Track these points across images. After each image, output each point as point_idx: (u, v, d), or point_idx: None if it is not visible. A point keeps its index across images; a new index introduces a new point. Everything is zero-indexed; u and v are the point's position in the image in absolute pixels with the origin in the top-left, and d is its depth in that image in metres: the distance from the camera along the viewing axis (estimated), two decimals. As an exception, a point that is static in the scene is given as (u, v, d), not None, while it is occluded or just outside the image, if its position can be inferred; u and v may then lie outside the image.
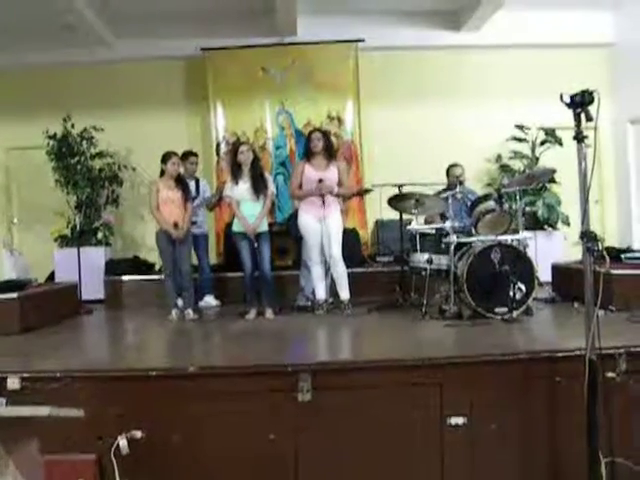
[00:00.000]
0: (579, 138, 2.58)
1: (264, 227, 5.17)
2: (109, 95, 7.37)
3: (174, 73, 7.58)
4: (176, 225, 5.19)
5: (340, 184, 5.25)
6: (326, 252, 5.13)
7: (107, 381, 3.08)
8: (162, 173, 5.31)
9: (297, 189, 5.25)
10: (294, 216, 5.55)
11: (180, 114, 7.56)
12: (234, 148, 5.39)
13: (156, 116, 7.43)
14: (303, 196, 5.23)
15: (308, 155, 5.27)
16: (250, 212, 5.10)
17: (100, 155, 7.13)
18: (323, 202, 5.07)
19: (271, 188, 5.21)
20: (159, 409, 2.99)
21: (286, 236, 6.31)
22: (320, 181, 5.09)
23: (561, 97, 2.57)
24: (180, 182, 5.34)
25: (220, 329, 4.93)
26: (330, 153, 5.30)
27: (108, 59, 7.32)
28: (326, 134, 5.44)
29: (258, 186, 5.08)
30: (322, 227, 5.11)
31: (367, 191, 6.47)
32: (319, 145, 5.20)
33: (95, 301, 6.32)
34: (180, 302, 5.34)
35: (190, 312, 5.23)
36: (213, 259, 6.85)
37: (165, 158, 5.28)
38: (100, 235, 7.02)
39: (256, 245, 5.06)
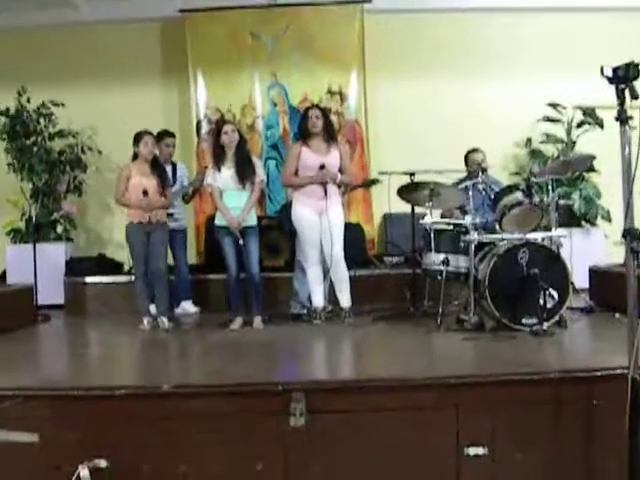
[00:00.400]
0: (622, 119, 2.58)
1: (252, 221, 5.17)
2: (71, 64, 7.36)
3: (147, 38, 7.57)
4: (145, 193, 5.14)
5: (342, 171, 5.25)
6: (326, 251, 5.13)
7: (66, 401, 3.07)
8: (135, 157, 5.30)
9: (292, 176, 5.25)
10: (288, 208, 5.55)
11: (154, 87, 7.56)
12: (217, 128, 5.40)
13: (126, 89, 7.42)
14: (299, 184, 5.22)
15: (305, 136, 5.25)
16: (235, 203, 5.09)
17: (60, 135, 7.12)
18: (325, 192, 5.08)
19: (260, 175, 5.21)
20: (127, 434, 2.99)
21: (278, 231, 6.33)
22: (322, 167, 5.09)
23: (602, 70, 2.56)
24: (156, 167, 5.33)
25: (199, 341, 4.94)
26: (331, 134, 5.31)
27: (72, 21, 7.30)
28: (325, 111, 5.44)
29: (244, 173, 5.08)
30: (322, 221, 5.12)
31: (374, 182, 6.48)
32: (318, 124, 5.19)
33: (53, 306, 6.33)
34: (153, 308, 5.35)
35: (164, 320, 5.23)
36: (192, 258, 6.86)
37: (137, 139, 5.27)
38: (60, 229, 7.02)
39: (242, 242, 5.06)
